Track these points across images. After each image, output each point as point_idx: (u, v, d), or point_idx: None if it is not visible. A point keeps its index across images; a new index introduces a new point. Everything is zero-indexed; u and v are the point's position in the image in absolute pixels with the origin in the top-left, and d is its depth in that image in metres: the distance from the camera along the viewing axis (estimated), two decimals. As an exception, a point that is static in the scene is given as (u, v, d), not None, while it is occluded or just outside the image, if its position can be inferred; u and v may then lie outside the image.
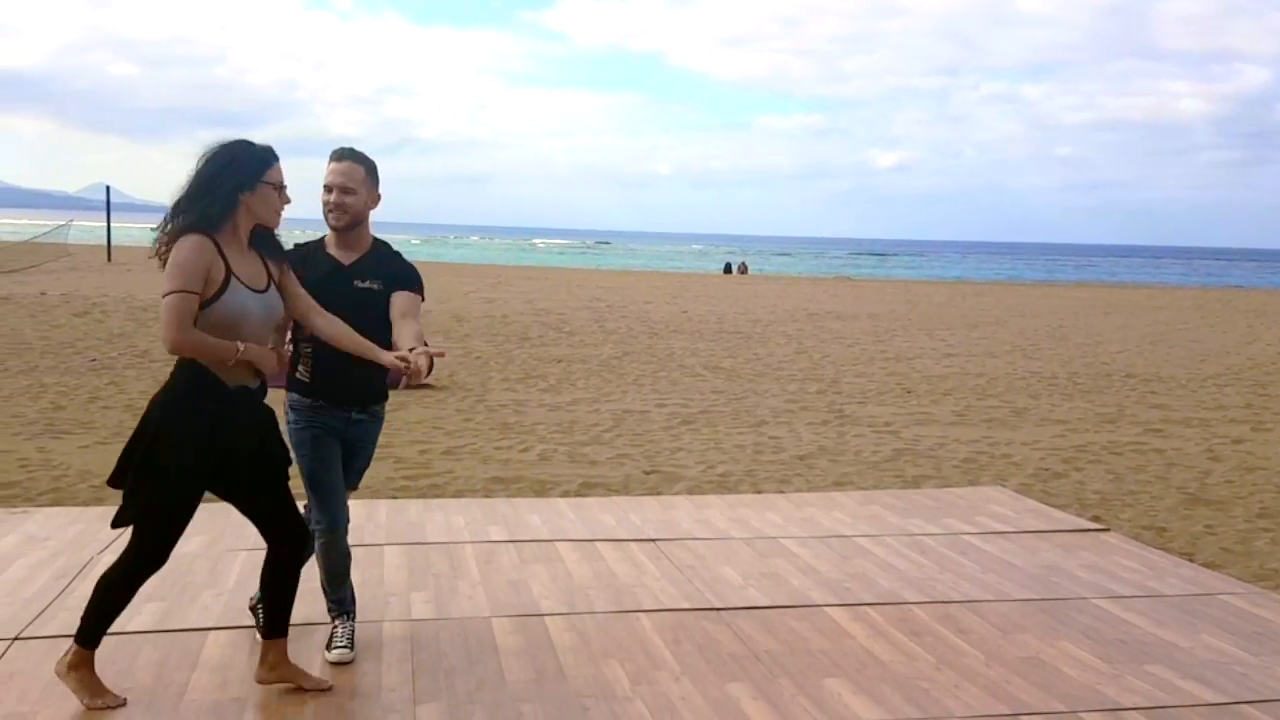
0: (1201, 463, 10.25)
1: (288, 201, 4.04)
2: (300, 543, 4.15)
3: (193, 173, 3.88)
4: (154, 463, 3.81)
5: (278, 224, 4.05)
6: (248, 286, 3.89)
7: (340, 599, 4.67)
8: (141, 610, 4.97)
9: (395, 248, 4.75)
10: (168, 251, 3.80)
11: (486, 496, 8.07)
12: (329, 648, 4.55)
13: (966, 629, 5.08)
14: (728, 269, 61.22)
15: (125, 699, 4.05)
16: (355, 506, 7.01)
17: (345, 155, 4.49)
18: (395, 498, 7.80)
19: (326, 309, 4.21)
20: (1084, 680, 4.50)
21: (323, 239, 4.59)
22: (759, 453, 10.20)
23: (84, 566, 5.61)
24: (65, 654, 4.04)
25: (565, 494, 8.26)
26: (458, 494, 8.18)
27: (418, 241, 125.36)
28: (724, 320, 25.21)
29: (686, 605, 5.31)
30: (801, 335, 22.15)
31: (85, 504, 7.47)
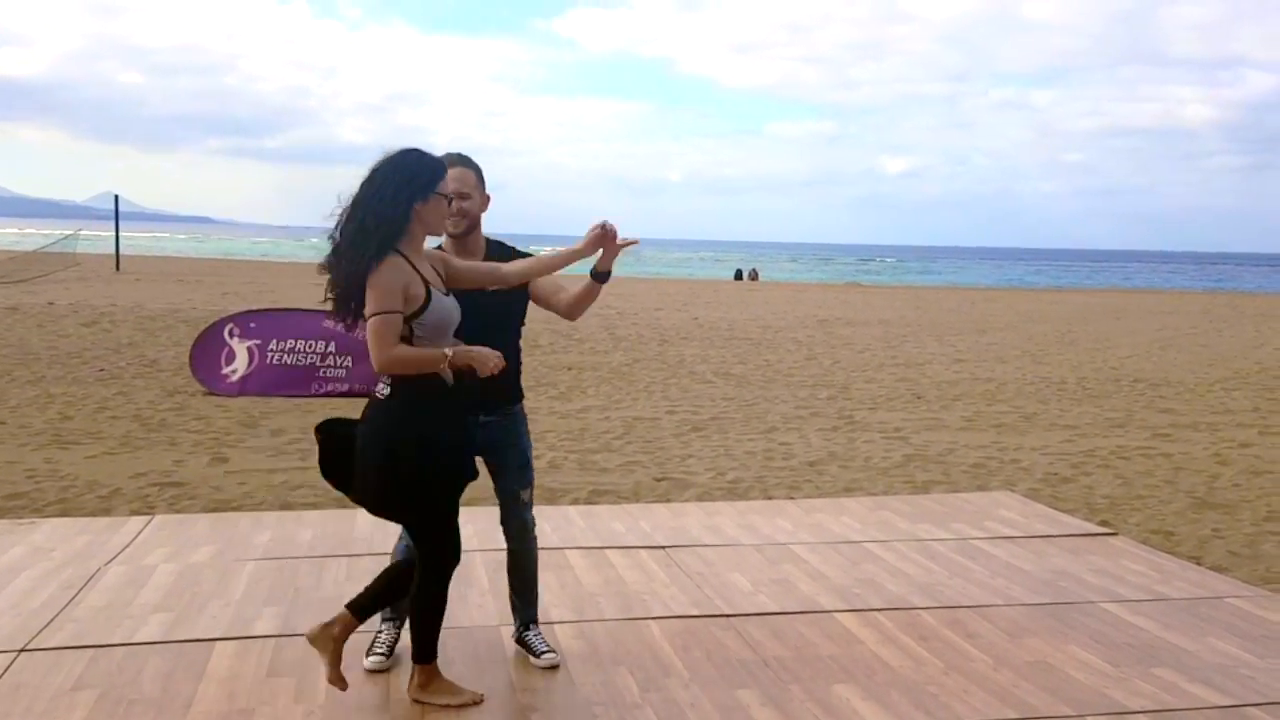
0: (1209, 467, 10.23)
1: (453, 213, 4.16)
2: (437, 566, 4.22)
3: (366, 182, 3.93)
4: (417, 479, 3.99)
5: (443, 233, 4.14)
6: (440, 291, 4.00)
7: (533, 607, 4.82)
8: (149, 621, 5.00)
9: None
10: (357, 275, 3.85)
11: (495, 505, 8.06)
12: (537, 655, 4.66)
13: (975, 633, 5.07)
14: (738, 275, 61.19)
15: (481, 694, 4.23)
16: (365, 516, 7.03)
17: (457, 161, 4.48)
18: (403, 506, 7.80)
19: (467, 312, 4.21)
20: (1091, 684, 4.50)
21: (438, 249, 4.57)
22: (769, 459, 10.20)
23: (91, 578, 5.63)
24: (411, 679, 4.20)
25: (575, 501, 8.26)
26: (467, 503, 8.14)
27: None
28: (734, 327, 25.21)
29: (696, 612, 5.31)
30: (812, 341, 22.14)
31: (92, 514, 7.48)
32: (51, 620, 5.00)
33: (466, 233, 4.53)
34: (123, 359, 16.22)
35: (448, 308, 3.99)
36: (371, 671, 4.51)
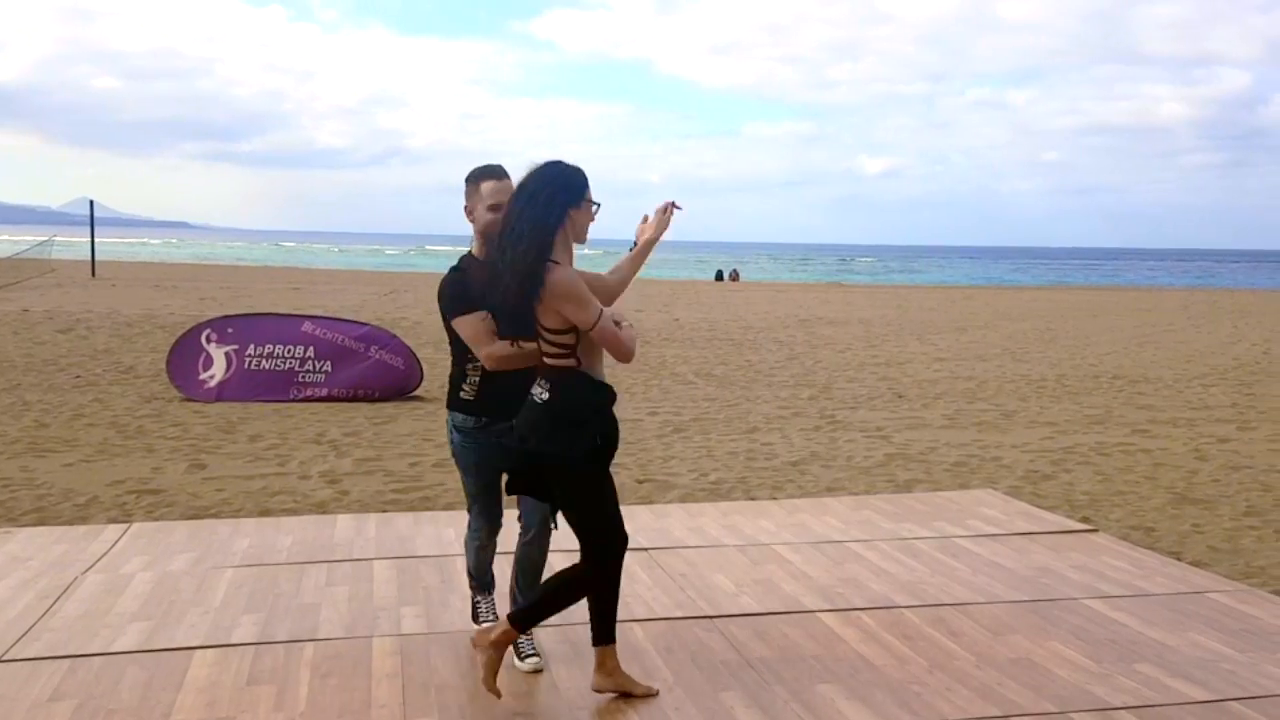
0: (1188, 462, 10.27)
1: (595, 219, 4.19)
2: (603, 563, 4.31)
3: (519, 191, 4.00)
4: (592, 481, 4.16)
5: (585, 240, 4.16)
6: None
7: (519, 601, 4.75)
8: (126, 630, 4.95)
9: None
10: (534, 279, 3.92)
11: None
12: (521, 658, 4.64)
13: (958, 631, 5.07)
14: (719, 276, 61.23)
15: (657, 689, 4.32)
16: (345, 521, 7.00)
17: (494, 173, 4.52)
18: (385, 511, 7.77)
19: (504, 324, 4.30)
20: (1074, 680, 4.50)
21: (469, 253, 4.64)
22: (751, 459, 10.19)
23: (68, 587, 5.58)
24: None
25: (555, 504, 8.22)
26: (449, 506, 8.15)
27: (396, 252, 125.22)
28: (715, 327, 25.22)
29: (679, 613, 5.29)
30: (793, 342, 22.17)
31: (69, 523, 7.42)
32: (28, 630, 4.95)
33: None
34: (99, 365, 16.12)
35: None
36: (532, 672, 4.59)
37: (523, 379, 4.26)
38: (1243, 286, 66.50)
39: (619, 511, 4.26)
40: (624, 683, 4.30)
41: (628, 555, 6.17)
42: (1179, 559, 6.72)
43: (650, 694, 4.31)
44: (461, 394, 4.66)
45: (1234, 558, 7.05)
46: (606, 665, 4.30)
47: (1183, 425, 12.44)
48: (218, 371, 13.38)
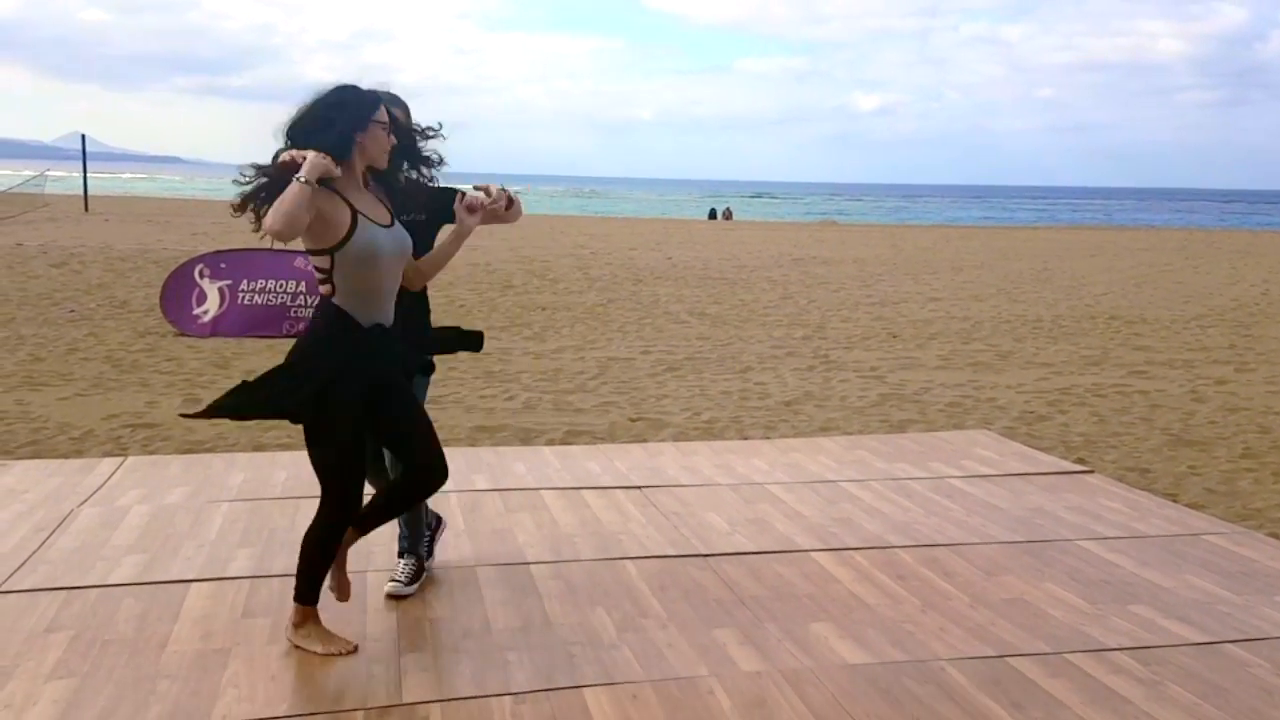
0: (1185, 404, 10.27)
1: (394, 143, 4.03)
2: (439, 476, 4.26)
3: (302, 113, 3.86)
4: (319, 414, 3.91)
5: (385, 164, 4.03)
6: (374, 222, 3.92)
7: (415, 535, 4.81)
8: (122, 562, 4.95)
9: None
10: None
11: (471, 445, 8.04)
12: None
13: (952, 572, 5.08)
14: (712, 215, 60.98)
15: (355, 644, 4.14)
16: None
17: (384, 99, 4.41)
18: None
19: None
20: (1069, 621, 4.51)
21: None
22: (745, 399, 10.19)
23: (63, 520, 5.57)
24: (291, 618, 4.14)
25: (550, 442, 8.23)
26: (442, 443, 8.13)
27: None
28: (709, 266, 25.13)
29: (673, 552, 5.30)
30: (787, 281, 22.10)
31: (64, 456, 7.41)
32: (24, 562, 4.95)
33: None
34: (93, 300, 16.04)
35: (374, 240, 3.88)
36: (391, 596, 4.61)
37: (416, 304, 4.39)
38: (1241, 227, 66.30)
39: (359, 466, 4.05)
40: (309, 639, 4.12)
41: (621, 493, 6.22)
42: (1175, 501, 6.73)
43: (347, 650, 4.10)
44: None
45: (1230, 499, 7.07)
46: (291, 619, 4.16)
47: (1180, 367, 12.44)
48: (211, 307, 13.33)
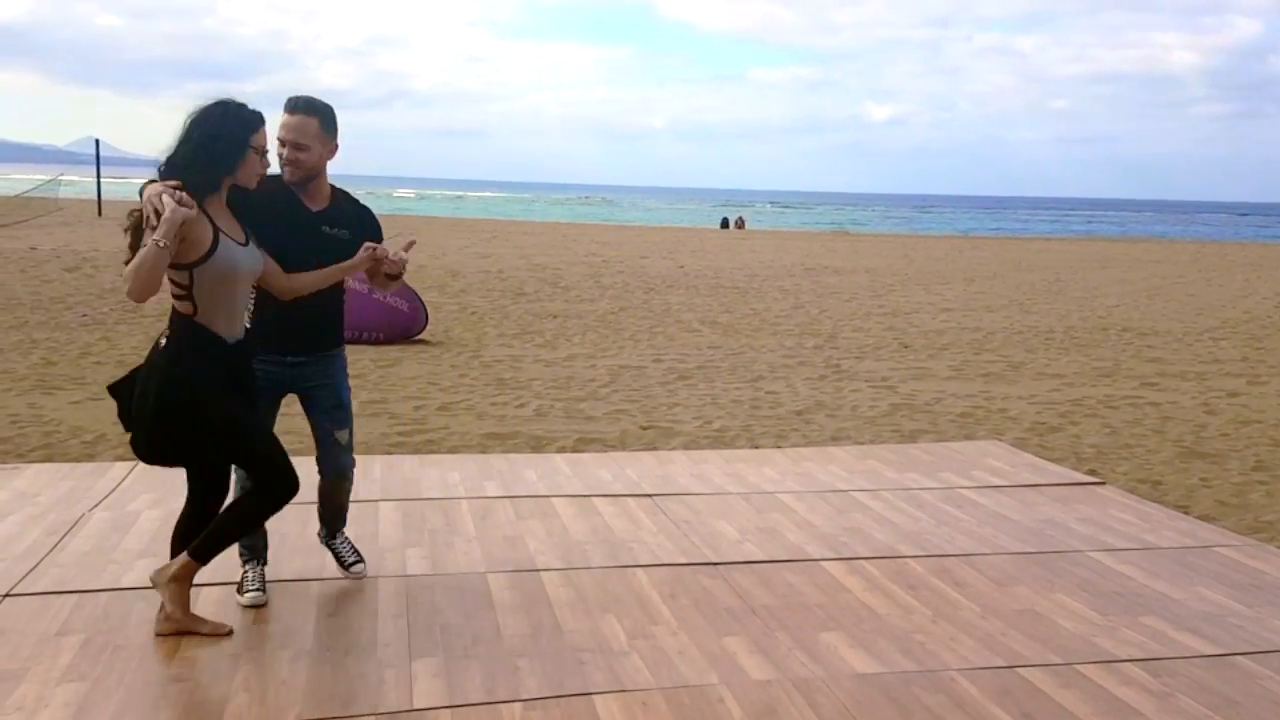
0: (1197, 416, 10.24)
1: (268, 166, 4.09)
2: (288, 486, 4.14)
3: (182, 136, 3.92)
4: (201, 425, 3.99)
5: (254, 185, 4.08)
6: (233, 240, 4.00)
7: (253, 546, 4.71)
8: (134, 566, 4.97)
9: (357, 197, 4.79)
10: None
11: (482, 452, 8.05)
12: (241, 592, 4.63)
13: (962, 582, 5.07)
14: (725, 224, 60.98)
15: (230, 628, 4.24)
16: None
17: (299, 108, 4.40)
18: (390, 453, 7.77)
19: (296, 254, 4.29)
20: (1079, 632, 4.50)
21: (280, 178, 4.49)
22: (756, 408, 10.18)
23: (75, 523, 5.59)
24: (171, 564, 4.21)
25: (561, 449, 8.23)
26: (453, 450, 8.16)
27: (408, 195, 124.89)
28: (720, 275, 25.14)
29: (683, 560, 5.30)
30: (798, 290, 22.10)
31: (76, 460, 7.44)
32: (36, 565, 4.97)
33: (303, 182, 4.45)
34: (106, 304, 16.10)
35: (235, 258, 3.97)
36: (250, 607, 4.56)
37: (295, 308, 4.34)
38: (1254, 239, 66.05)
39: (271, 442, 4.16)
40: (176, 603, 4.21)
41: (632, 501, 6.23)
42: (1186, 513, 6.71)
43: (219, 633, 4.22)
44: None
45: (1242, 512, 7.04)
46: (173, 570, 4.22)
47: (1192, 379, 12.41)
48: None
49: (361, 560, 4.95)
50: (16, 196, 50.00)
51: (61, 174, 66.90)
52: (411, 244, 4.61)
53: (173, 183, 3.86)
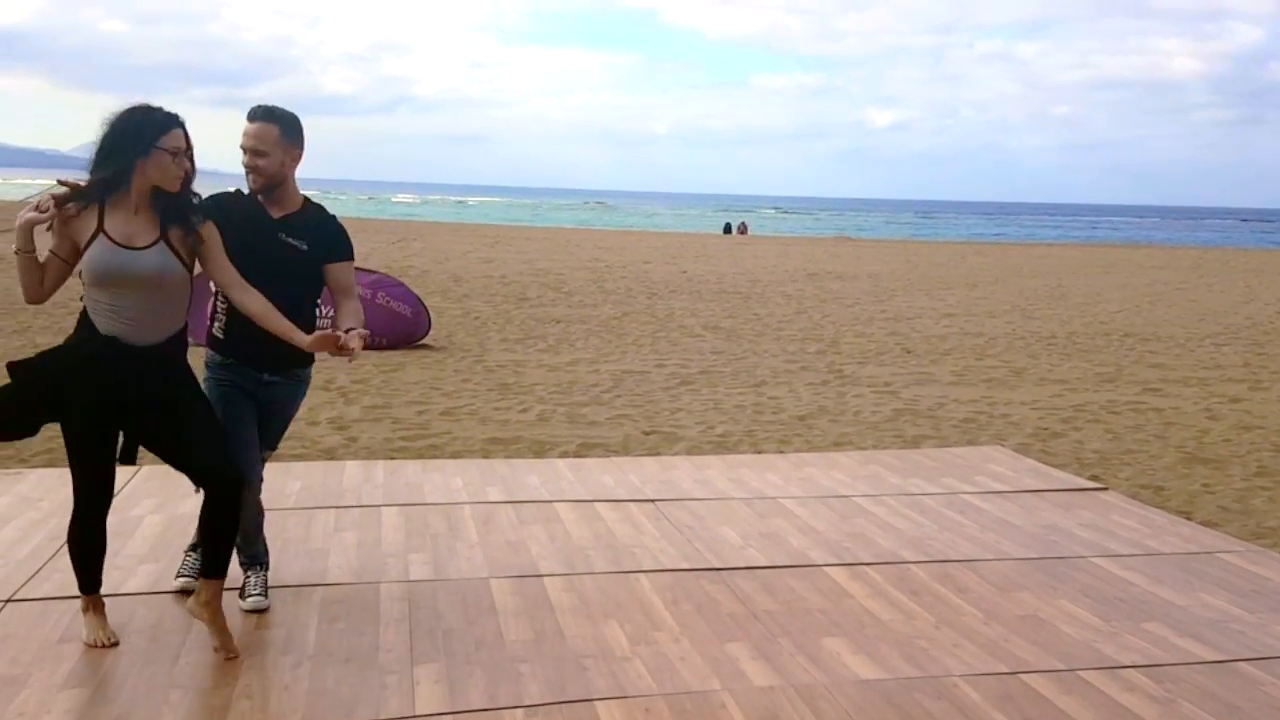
0: (1199, 422, 10.24)
1: (184, 169, 4.02)
2: (224, 485, 4.05)
3: (98, 138, 3.97)
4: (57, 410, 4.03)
5: (176, 188, 4.04)
6: (117, 243, 3.94)
7: (253, 554, 4.68)
8: (136, 572, 4.97)
9: (330, 209, 4.76)
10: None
11: (485, 457, 8.05)
12: (243, 597, 4.58)
13: (965, 588, 5.07)
14: (727, 229, 60.98)
15: (238, 654, 4.15)
16: (353, 467, 7.01)
17: (259, 115, 4.39)
18: (393, 458, 7.78)
19: (254, 260, 4.24)
20: (1082, 638, 4.50)
21: (254, 192, 4.49)
22: (759, 413, 10.18)
23: (79, 528, 5.58)
24: (200, 592, 4.18)
25: (564, 455, 8.24)
26: (456, 455, 8.16)
27: (409, 200, 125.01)
28: (723, 280, 25.14)
29: (686, 565, 5.29)
30: (801, 295, 22.10)
31: (81, 465, 7.43)
32: (38, 570, 4.97)
33: (265, 190, 4.43)
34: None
35: (105, 260, 3.93)
36: (252, 612, 4.54)
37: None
38: (1256, 245, 66.00)
39: (90, 472, 4.06)
40: (216, 618, 4.13)
41: (634, 506, 6.22)
42: (1189, 518, 6.71)
43: (229, 655, 4.12)
44: (213, 330, 4.56)
45: (1244, 518, 7.04)
46: (202, 595, 4.15)
47: (1194, 384, 12.41)
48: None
49: (261, 594, 4.64)
50: (20, 201, 50.04)
51: (64, 178, 66.95)
52: (365, 335, 4.26)
53: (66, 183, 3.98)
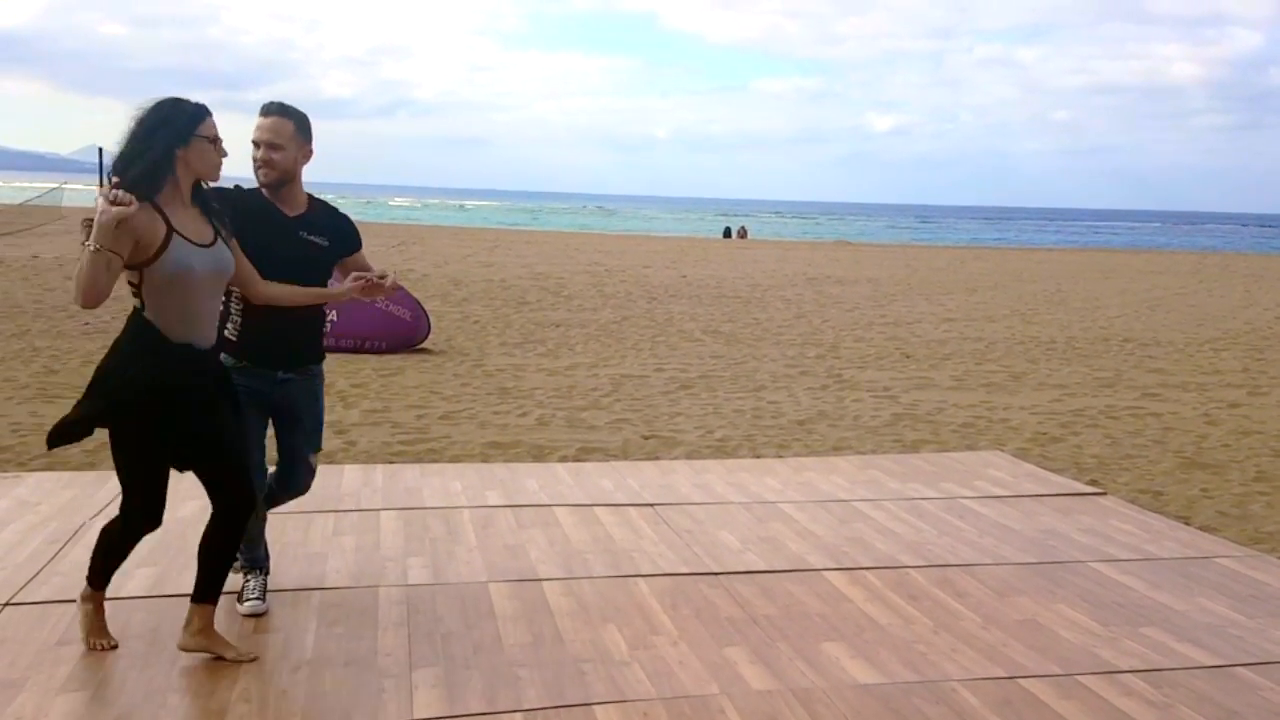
0: (1198, 427, 10.24)
1: (224, 155, 3.99)
2: (242, 507, 4.06)
3: (127, 133, 3.85)
4: (116, 423, 3.90)
5: (217, 178, 4.02)
6: (191, 241, 3.85)
7: (254, 558, 4.69)
8: (135, 575, 4.96)
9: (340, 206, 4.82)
10: None
11: (484, 461, 8.05)
12: (241, 601, 4.59)
13: (964, 592, 5.07)
14: (727, 233, 60.99)
15: (256, 656, 4.14)
16: (352, 471, 7.00)
17: (273, 110, 4.41)
18: (392, 462, 7.78)
19: (275, 259, 4.25)
20: (1080, 643, 4.50)
21: (258, 189, 4.49)
22: (758, 417, 10.18)
23: (76, 532, 5.59)
24: (190, 622, 4.11)
25: (563, 459, 8.23)
26: (455, 459, 8.16)
27: (407, 203, 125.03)
28: (723, 285, 25.14)
29: (684, 570, 5.29)
30: (801, 300, 22.10)
31: (78, 469, 7.43)
32: (36, 574, 4.97)
33: (277, 184, 4.45)
34: (108, 313, 16.08)
35: (190, 261, 3.82)
36: (250, 616, 4.54)
37: (286, 323, 4.33)
38: (1255, 250, 66.02)
39: (151, 482, 3.99)
40: (213, 644, 4.11)
41: (633, 510, 6.22)
42: (1187, 523, 6.71)
43: (245, 659, 4.11)
44: (225, 333, 4.46)
45: (1243, 523, 7.04)
46: (193, 624, 4.10)
47: (1193, 389, 12.41)
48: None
49: (259, 599, 4.65)
50: (19, 204, 50.06)
51: (65, 182, 67.07)
52: (384, 275, 4.50)
53: (114, 180, 3.77)
